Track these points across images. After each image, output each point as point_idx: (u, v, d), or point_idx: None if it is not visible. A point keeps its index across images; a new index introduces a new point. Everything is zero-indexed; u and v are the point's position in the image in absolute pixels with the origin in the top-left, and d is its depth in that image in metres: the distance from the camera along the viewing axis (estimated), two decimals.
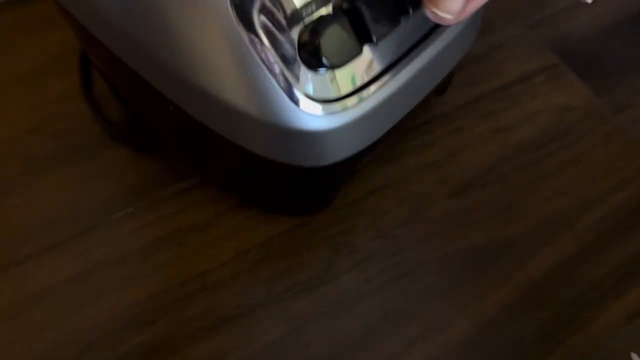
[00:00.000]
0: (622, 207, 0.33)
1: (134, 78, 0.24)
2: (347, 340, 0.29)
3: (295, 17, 0.20)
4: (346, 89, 0.22)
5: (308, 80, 0.21)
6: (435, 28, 0.24)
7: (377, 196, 0.33)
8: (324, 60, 0.20)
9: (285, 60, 0.20)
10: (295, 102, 0.20)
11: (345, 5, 0.21)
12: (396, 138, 0.35)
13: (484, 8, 0.22)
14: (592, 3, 0.42)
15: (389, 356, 0.29)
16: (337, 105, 0.22)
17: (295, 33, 0.20)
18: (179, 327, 0.29)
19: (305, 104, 0.21)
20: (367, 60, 0.22)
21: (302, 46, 0.20)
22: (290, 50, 0.20)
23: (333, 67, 0.21)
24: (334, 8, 0.21)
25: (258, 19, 0.19)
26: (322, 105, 0.21)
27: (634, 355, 0.25)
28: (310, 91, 0.21)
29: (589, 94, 0.38)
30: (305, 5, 0.20)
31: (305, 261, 0.31)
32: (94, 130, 0.35)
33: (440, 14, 0.20)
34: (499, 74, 0.39)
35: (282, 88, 0.20)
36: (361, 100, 0.23)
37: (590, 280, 0.31)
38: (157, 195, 0.33)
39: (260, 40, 0.19)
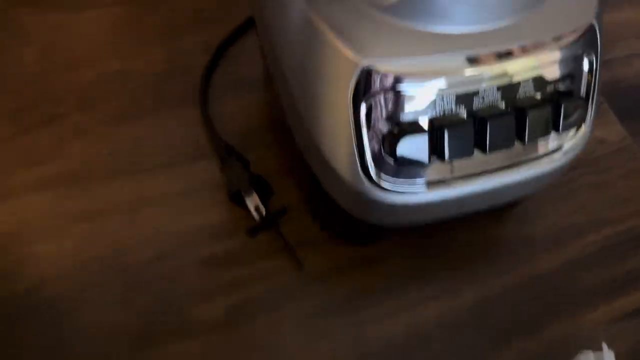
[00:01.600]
0: None
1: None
2: None
3: (400, 119, 0.26)
4: (419, 179, 0.28)
5: (388, 166, 0.27)
6: (524, 162, 0.29)
7: None
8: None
9: (374, 151, 0.27)
10: (371, 180, 0.27)
11: (473, 115, 0.27)
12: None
13: None
14: None
15: None
16: (406, 189, 0.28)
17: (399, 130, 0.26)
18: None
19: (382, 184, 0.27)
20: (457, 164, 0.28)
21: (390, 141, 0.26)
22: (380, 142, 0.27)
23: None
24: (458, 116, 0.26)
25: (365, 109, 0.26)
26: (392, 185, 0.27)
27: (604, 344, 0.31)
28: (389, 177, 0.27)
29: (624, 133, 0.44)
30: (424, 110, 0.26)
31: None
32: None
33: None
34: None
35: (360, 165, 0.27)
36: (418, 193, 0.28)
37: None
38: (248, 144, 0.41)
39: (360, 125, 0.26)
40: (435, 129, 0.26)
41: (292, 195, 0.39)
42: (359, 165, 0.27)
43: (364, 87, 0.26)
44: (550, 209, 0.40)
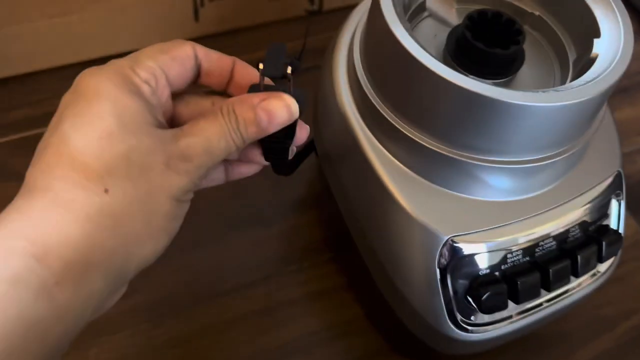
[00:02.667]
0: None
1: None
2: None
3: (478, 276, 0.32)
4: (487, 320, 0.33)
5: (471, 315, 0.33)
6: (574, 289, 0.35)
7: None
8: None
9: (459, 302, 0.32)
10: (457, 325, 0.32)
11: (537, 263, 0.32)
12: None
13: None
14: None
15: None
16: (485, 328, 0.33)
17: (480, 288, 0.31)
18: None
19: (463, 327, 0.33)
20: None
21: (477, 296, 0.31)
22: (464, 295, 0.32)
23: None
24: (525, 265, 0.32)
25: (450, 271, 0.31)
26: (475, 327, 0.33)
27: None
28: (472, 321, 0.33)
29: (637, 226, 0.50)
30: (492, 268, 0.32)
31: None
32: (272, 203, 0.48)
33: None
34: None
35: (447, 314, 0.32)
36: (495, 329, 0.33)
37: None
38: (313, 260, 0.46)
39: (446, 283, 0.31)
40: (509, 280, 0.32)
41: (355, 309, 0.44)
42: (446, 314, 0.32)
43: (448, 255, 0.31)
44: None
